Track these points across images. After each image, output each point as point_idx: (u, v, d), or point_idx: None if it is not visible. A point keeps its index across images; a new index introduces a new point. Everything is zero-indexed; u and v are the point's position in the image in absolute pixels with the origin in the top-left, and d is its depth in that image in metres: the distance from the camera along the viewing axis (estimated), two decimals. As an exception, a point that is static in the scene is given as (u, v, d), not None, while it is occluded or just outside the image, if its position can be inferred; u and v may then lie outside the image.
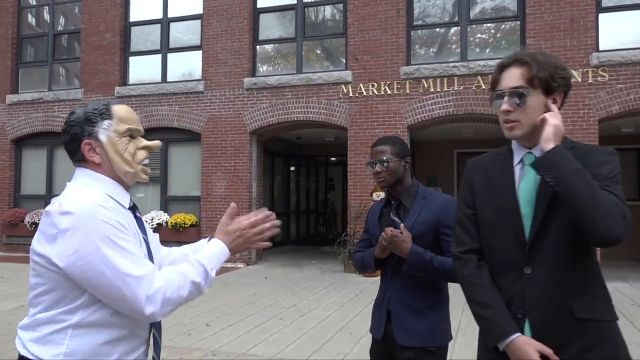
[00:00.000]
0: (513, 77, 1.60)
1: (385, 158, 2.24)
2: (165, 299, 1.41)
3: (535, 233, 1.57)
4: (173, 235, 9.94)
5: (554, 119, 1.54)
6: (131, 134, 1.55)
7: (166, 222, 10.44)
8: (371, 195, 9.21)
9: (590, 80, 8.43)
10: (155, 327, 1.58)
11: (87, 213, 1.37)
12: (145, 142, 1.58)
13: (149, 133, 11.12)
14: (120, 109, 1.55)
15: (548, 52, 1.66)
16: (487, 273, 1.67)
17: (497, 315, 1.59)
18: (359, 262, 2.44)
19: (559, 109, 1.61)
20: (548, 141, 1.52)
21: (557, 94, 1.61)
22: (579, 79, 8.47)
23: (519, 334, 1.56)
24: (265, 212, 1.61)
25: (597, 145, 1.61)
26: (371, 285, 8.05)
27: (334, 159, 15.44)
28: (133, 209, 1.57)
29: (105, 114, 1.52)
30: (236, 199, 10.26)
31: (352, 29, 9.77)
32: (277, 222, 1.60)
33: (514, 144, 1.70)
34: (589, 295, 1.56)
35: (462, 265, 1.71)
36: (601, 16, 8.64)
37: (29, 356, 1.43)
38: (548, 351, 1.52)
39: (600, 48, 8.57)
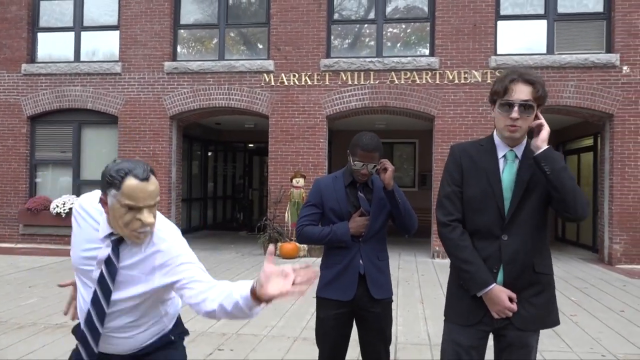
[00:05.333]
0: (524, 92, 2.00)
1: (375, 165, 2.58)
2: None
3: (513, 211, 2.07)
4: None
5: (547, 126, 2.04)
6: (130, 207, 1.72)
7: (79, 207, 10.08)
8: (291, 181, 9.58)
9: (489, 81, 9.36)
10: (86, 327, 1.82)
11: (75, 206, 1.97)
12: (142, 217, 1.73)
13: (61, 114, 10.67)
14: (129, 185, 1.70)
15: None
16: (469, 238, 2.12)
17: (478, 270, 2.06)
18: (317, 236, 2.69)
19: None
20: (544, 142, 2.01)
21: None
22: (480, 79, 9.40)
23: (495, 284, 2.06)
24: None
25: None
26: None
27: (252, 145, 15.60)
28: (116, 241, 1.80)
29: (115, 185, 1.70)
30: (155, 184, 10.16)
31: (275, 20, 10.02)
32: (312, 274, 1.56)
33: (496, 140, 2.16)
34: (544, 255, 2.12)
35: (450, 231, 2.13)
36: (499, 23, 9.62)
37: None
38: (513, 295, 2.06)
39: (498, 52, 9.55)
